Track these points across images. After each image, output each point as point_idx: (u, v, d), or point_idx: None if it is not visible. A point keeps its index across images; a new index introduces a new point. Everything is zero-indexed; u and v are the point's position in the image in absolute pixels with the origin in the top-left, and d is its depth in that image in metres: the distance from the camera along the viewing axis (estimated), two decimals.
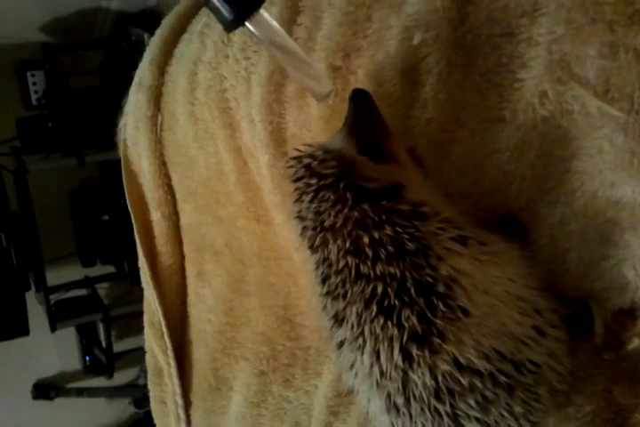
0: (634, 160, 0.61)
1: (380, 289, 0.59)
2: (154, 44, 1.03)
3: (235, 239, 1.00)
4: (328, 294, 0.64)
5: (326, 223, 0.62)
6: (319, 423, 0.93)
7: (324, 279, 0.64)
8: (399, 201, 0.61)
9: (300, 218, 0.65)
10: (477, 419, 0.59)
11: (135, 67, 1.08)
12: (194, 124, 0.97)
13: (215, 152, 0.96)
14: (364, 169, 0.63)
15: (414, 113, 0.73)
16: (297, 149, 0.67)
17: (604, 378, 0.68)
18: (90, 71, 2.62)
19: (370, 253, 0.60)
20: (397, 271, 0.59)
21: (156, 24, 1.07)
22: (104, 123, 1.29)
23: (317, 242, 0.64)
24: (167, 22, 1.03)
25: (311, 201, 0.63)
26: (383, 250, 0.59)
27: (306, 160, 0.64)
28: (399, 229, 0.59)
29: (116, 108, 1.13)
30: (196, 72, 0.95)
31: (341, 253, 0.62)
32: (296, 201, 0.65)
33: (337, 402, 0.90)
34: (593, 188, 0.64)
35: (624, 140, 0.61)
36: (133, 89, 1.05)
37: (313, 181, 0.63)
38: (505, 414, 0.59)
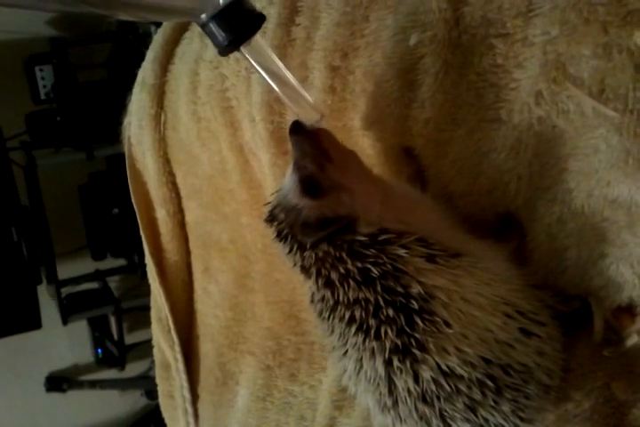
0: (629, 159, 0.61)
1: (357, 313, 0.62)
2: (156, 43, 1.03)
3: (239, 236, 1.01)
4: (317, 314, 0.67)
5: (299, 264, 0.66)
6: (324, 418, 0.94)
7: (313, 303, 0.67)
8: (355, 233, 0.63)
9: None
10: (466, 419, 0.61)
11: (142, 60, 1.07)
12: (196, 122, 0.97)
13: (218, 150, 0.96)
14: (308, 211, 0.64)
15: (412, 113, 0.73)
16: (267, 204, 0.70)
17: (603, 374, 0.68)
18: (97, 64, 2.63)
19: (341, 285, 0.63)
20: (370, 295, 0.61)
21: None
22: (113, 116, 1.29)
23: (302, 275, 0.67)
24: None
25: (283, 250, 0.67)
26: (351, 280, 0.62)
27: (265, 222, 0.68)
28: (359, 264, 0.62)
29: (124, 102, 1.13)
30: (197, 71, 0.95)
31: (319, 287, 0.65)
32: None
33: (341, 397, 0.91)
34: (589, 187, 0.64)
35: (619, 140, 0.61)
36: (137, 88, 1.06)
37: (274, 237, 0.67)
38: (493, 412, 0.60)
